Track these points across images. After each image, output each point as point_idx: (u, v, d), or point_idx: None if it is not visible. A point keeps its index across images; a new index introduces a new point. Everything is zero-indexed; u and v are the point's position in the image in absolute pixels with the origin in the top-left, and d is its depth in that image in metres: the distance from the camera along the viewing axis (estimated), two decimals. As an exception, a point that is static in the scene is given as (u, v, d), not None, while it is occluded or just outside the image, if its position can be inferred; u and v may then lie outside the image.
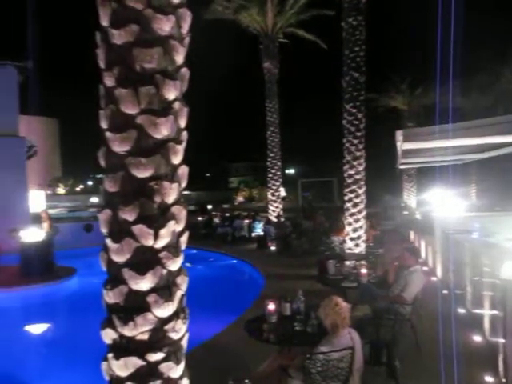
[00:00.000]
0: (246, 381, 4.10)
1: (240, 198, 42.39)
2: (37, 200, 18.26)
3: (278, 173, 20.00)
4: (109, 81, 2.69)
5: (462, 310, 7.45)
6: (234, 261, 14.37)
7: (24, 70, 18.32)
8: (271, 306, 5.01)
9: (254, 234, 17.96)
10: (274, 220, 18.59)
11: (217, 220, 20.43)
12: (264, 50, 19.57)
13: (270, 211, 19.88)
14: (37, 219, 14.28)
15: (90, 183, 37.58)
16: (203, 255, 14.85)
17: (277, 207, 19.68)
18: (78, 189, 29.24)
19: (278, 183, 19.92)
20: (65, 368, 6.37)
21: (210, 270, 13.72)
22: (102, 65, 2.77)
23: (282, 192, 20.84)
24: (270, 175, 19.97)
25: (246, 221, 18.66)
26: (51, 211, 17.45)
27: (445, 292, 8.55)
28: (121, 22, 2.67)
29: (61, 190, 26.97)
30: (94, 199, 25.51)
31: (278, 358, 4.59)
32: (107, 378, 2.91)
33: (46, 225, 12.41)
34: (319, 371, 3.97)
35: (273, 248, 15.57)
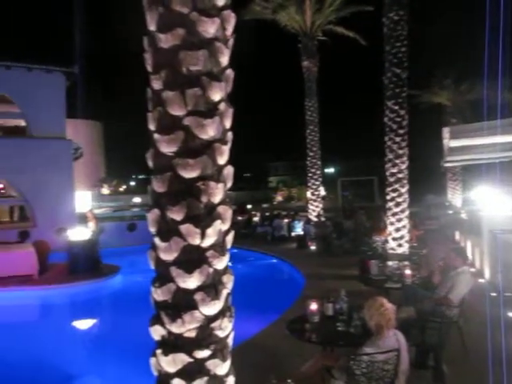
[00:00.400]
0: (289, 381, 4.10)
1: (279, 198, 42.36)
2: (83, 200, 18.91)
3: (318, 172, 19.86)
4: (156, 84, 2.76)
5: (511, 314, 7.16)
6: (274, 260, 14.39)
7: (71, 75, 19.02)
8: (313, 306, 4.99)
9: (293, 234, 17.93)
10: (314, 219, 18.47)
11: (256, 219, 20.53)
12: (303, 49, 19.48)
13: (309, 211, 19.77)
14: (83, 219, 14.80)
15: (132, 184, 38.61)
16: (243, 254, 14.94)
17: (317, 206, 19.55)
18: (121, 189, 30.09)
19: (317, 182, 19.79)
20: (110, 362, 6.56)
21: (250, 269, 13.78)
22: (149, 68, 2.84)
23: (322, 191, 20.67)
24: (310, 174, 19.86)
25: (286, 220, 18.65)
26: (96, 211, 18.02)
27: (493, 294, 8.23)
28: (167, 26, 2.73)
29: (105, 190, 27.82)
30: (137, 199, 26.14)
31: (321, 359, 4.56)
32: (155, 373, 2.98)
33: (92, 224, 12.84)
34: (364, 373, 3.93)
35: (313, 248, 15.48)
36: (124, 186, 33.52)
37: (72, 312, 10.51)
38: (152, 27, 2.82)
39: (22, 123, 18.67)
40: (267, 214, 22.43)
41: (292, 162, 58.89)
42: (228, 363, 2.97)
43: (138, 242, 17.51)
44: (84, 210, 16.37)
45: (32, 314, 10.57)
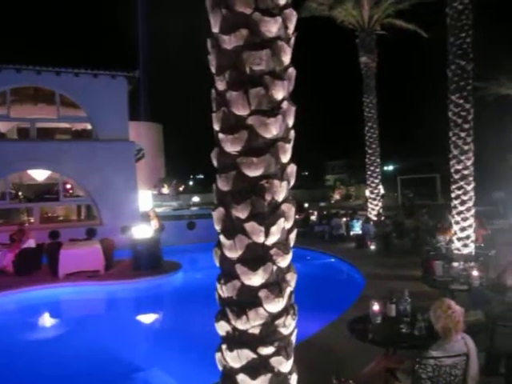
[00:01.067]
0: (350, 382, 4.03)
1: (337, 196, 41.77)
2: (145, 199, 19.63)
3: (377, 170, 19.40)
4: (220, 85, 2.82)
5: None
6: (332, 259, 14.22)
7: (133, 79, 19.75)
8: (376, 307, 4.88)
9: (352, 233, 17.63)
10: (374, 218, 18.07)
11: (314, 218, 20.38)
12: (360, 44, 19.09)
13: (368, 209, 19.36)
14: (145, 217, 15.34)
15: (191, 183, 39.58)
16: (301, 253, 14.86)
17: (376, 205, 19.11)
18: (180, 189, 30.93)
19: (377, 180, 19.33)
20: (171, 355, 6.76)
21: (308, 269, 13.70)
22: (213, 70, 2.90)
23: (381, 189, 20.18)
24: (369, 172, 19.44)
25: (344, 219, 18.38)
26: (157, 210, 18.62)
27: None
28: (230, 27, 2.77)
29: (165, 190, 28.70)
30: (196, 198, 26.76)
31: (384, 361, 4.45)
32: (220, 368, 3.04)
33: (154, 222, 13.27)
34: (430, 377, 3.79)
35: (372, 247, 15.15)
36: (183, 186, 34.41)
37: (136, 307, 10.93)
38: (215, 29, 2.87)
39: (89, 127, 19.67)
40: (324, 212, 22.20)
41: (349, 159, 57.95)
42: (291, 361, 2.98)
43: (197, 240, 17.99)
44: (146, 208, 16.96)
45: (98, 308, 11.12)
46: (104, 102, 18.64)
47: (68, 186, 21.17)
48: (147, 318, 9.93)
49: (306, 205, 26.99)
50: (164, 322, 9.58)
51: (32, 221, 19.02)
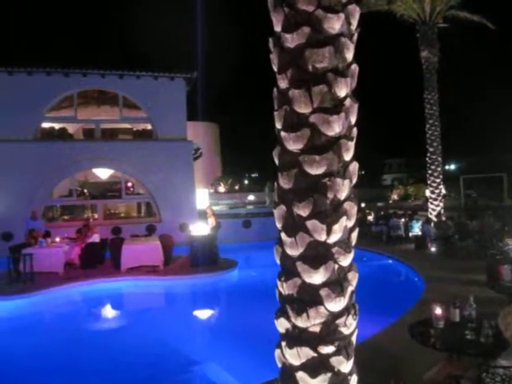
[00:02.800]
0: (411, 386, 3.93)
1: (395, 196, 40.58)
2: (202, 197, 20.04)
3: (439, 169, 18.67)
4: (282, 83, 2.83)
5: None
6: (390, 261, 13.85)
7: (190, 80, 20.21)
8: (438, 311, 4.70)
9: (411, 234, 17.08)
10: (434, 219, 17.40)
11: (371, 218, 19.94)
12: (421, 39, 18.41)
13: (429, 210, 18.68)
14: (203, 215, 15.67)
15: (246, 182, 39.95)
16: (357, 254, 14.44)
17: (437, 206, 18.39)
18: (236, 187, 31.31)
19: (438, 180, 18.61)
20: (227, 349, 6.86)
21: (364, 270, 13.38)
22: (275, 68, 2.92)
23: (443, 189, 19.40)
24: (430, 171, 18.74)
25: (403, 220, 17.83)
26: (214, 208, 18.95)
27: None
28: (293, 25, 2.78)
29: (221, 188, 29.15)
30: (251, 197, 26.96)
31: (448, 367, 4.29)
32: (279, 364, 3.06)
33: (211, 220, 13.50)
34: (498, 386, 3.62)
35: (433, 249, 14.59)
36: (238, 185, 34.80)
37: (193, 302, 11.20)
38: (277, 28, 2.89)
39: (149, 127, 20.36)
40: (382, 212, 21.65)
41: (408, 158, 56.15)
42: (352, 361, 2.95)
43: (253, 239, 18.15)
44: (204, 206, 17.30)
45: (157, 302, 11.49)
46: (163, 102, 19.23)
47: (129, 184, 22.01)
48: (204, 314, 10.14)
49: (363, 204, 26.46)
50: (220, 318, 9.74)
51: (96, 217, 19.96)
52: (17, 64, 17.83)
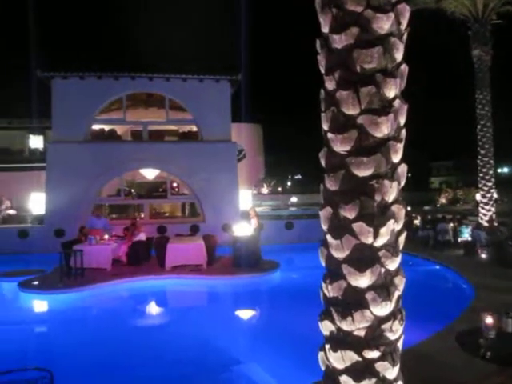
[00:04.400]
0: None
1: (443, 200, 39.23)
2: (245, 198, 20.16)
3: (491, 172, 17.90)
4: (330, 84, 2.82)
5: None
6: (437, 267, 13.42)
7: (235, 82, 20.39)
8: (489, 320, 4.55)
9: (460, 240, 16.48)
10: (485, 224, 16.70)
11: (417, 222, 19.40)
12: (473, 36, 17.73)
13: (480, 215, 17.95)
14: (246, 216, 15.76)
15: (288, 184, 39.88)
16: (403, 258, 14.15)
17: (488, 210, 17.63)
18: (279, 189, 31.30)
19: (490, 183, 17.84)
20: (268, 350, 6.86)
21: (410, 275, 13.04)
22: (322, 70, 2.91)
23: (495, 193, 18.58)
24: (481, 175, 18.00)
25: (451, 224, 17.23)
26: (257, 209, 19.01)
27: None
28: (341, 26, 2.76)
29: (264, 189, 29.24)
30: (294, 199, 26.88)
31: (500, 379, 4.13)
32: (323, 367, 3.04)
33: (254, 221, 13.56)
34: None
35: (483, 256, 14.02)
36: (281, 186, 34.80)
37: (235, 302, 11.28)
38: (325, 29, 2.88)
39: (194, 128, 20.71)
40: (429, 216, 21.01)
41: (457, 161, 54.20)
42: (397, 368, 2.89)
43: (295, 241, 18.07)
44: (247, 207, 17.40)
45: (200, 300, 11.67)
46: (208, 104, 19.50)
47: (174, 185, 22.46)
48: (246, 314, 10.20)
49: (409, 208, 25.79)
50: (262, 319, 9.76)
51: (142, 216, 20.49)
52: (70, 68, 18.64)
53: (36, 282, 11.31)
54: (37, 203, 18.65)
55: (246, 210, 16.56)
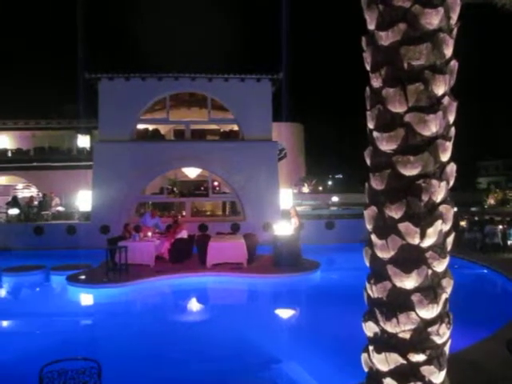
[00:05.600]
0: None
1: (491, 201, 37.64)
2: (285, 198, 20.12)
3: (543, 172, 17.10)
4: (376, 82, 2.77)
5: None
6: (485, 271, 12.92)
7: (276, 81, 20.37)
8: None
9: (510, 243, 15.80)
10: (537, 227, 15.96)
11: (464, 224, 18.75)
12: (526, 31, 16.98)
13: (531, 217, 17.18)
14: (286, 215, 15.73)
15: (329, 183, 39.49)
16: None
17: (540, 213, 16.85)
18: (319, 188, 31.05)
19: (542, 184, 17.04)
20: (308, 350, 6.82)
21: (456, 278, 12.63)
22: (368, 67, 2.87)
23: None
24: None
25: (500, 227, 16.53)
26: (297, 208, 18.93)
27: None
28: (388, 22, 2.72)
29: (305, 189, 29.08)
30: (335, 198, 26.58)
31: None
32: (366, 369, 3.00)
33: (294, 220, 13.50)
34: None
35: (534, 260, 13.40)
36: (322, 185, 34.50)
37: (275, 301, 11.27)
38: (371, 26, 2.84)
39: (235, 128, 20.87)
40: (476, 218, 20.26)
41: (507, 160, 51.94)
42: (444, 373, 2.82)
43: (336, 241, 17.87)
44: (287, 206, 17.36)
45: (239, 298, 11.74)
46: (250, 104, 19.60)
47: (215, 183, 22.71)
48: (285, 313, 10.18)
49: (455, 209, 24.92)
50: (301, 319, 9.72)
51: (184, 214, 20.86)
52: (116, 70, 19.22)
53: (83, 277, 11.75)
54: (84, 200, 19.35)
55: (287, 209, 16.52)
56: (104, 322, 9.06)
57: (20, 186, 25.47)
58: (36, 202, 20.84)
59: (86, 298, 10.93)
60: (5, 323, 9.34)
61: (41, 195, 21.85)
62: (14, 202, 20.23)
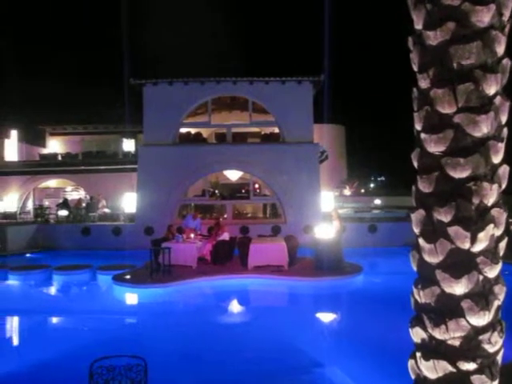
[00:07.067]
0: None
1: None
2: (327, 200, 19.94)
3: None
4: (423, 83, 2.71)
5: None
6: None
7: (317, 83, 20.24)
8: None
9: None
10: None
11: (515, 228, 17.95)
12: None
13: None
14: (327, 218, 15.57)
15: (371, 185, 38.78)
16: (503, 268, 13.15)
17: None
18: (362, 191, 30.57)
19: None
20: (349, 354, 6.71)
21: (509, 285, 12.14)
22: (415, 68, 2.81)
23: None
24: None
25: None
26: (339, 211, 18.70)
27: None
28: (436, 22, 2.66)
29: (346, 191, 28.71)
30: (377, 201, 26.08)
31: None
32: (413, 375, 2.93)
33: (336, 223, 13.35)
34: None
35: None
36: (364, 188, 33.94)
37: (316, 304, 11.16)
38: (418, 26, 2.79)
39: (276, 130, 20.89)
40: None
41: None
42: (496, 383, 2.71)
43: (379, 244, 17.54)
44: (329, 209, 17.20)
45: (280, 301, 11.71)
46: (291, 106, 19.59)
47: (256, 186, 22.81)
48: (327, 317, 10.08)
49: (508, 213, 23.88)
50: (343, 323, 9.58)
51: (225, 216, 21.06)
52: (159, 75, 19.72)
53: (128, 276, 12.09)
54: (129, 202, 19.92)
55: (328, 211, 16.37)
56: (148, 321, 9.30)
57: (69, 188, 26.53)
58: (84, 204, 21.64)
59: (131, 298, 11.23)
60: (56, 319, 9.77)
61: (88, 197, 22.67)
62: (64, 204, 21.10)
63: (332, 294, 11.45)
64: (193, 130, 22.05)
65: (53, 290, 12.57)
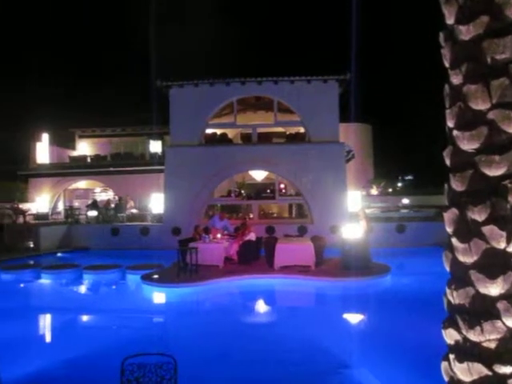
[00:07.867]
0: None
1: None
2: (354, 200, 19.76)
3: None
4: (455, 78, 2.66)
5: None
6: None
7: (343, 82, 20.07)
8: None
9: None
10: None
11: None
12: None
13: None
14: (354, 218, 15.43)
15: (399, 184, 38.16)
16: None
17: None
18: (389, 190, 30.10)
19: None
20: (378, 356, 6.62)
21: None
22: (447, 63, 2.76)
23: None
24: None
25: None
26: (366, 211, 18.49)
27: None
28: (468, 16, 2.60)
29: (374, 191, 28.35)
30: (405, 200, 25.68)
31: None
32: (446, 378, 2.87)
33: (363, 223, 13.21)
34: None
35: None
36: (391, 187, 33.43)
37: (343, 305, 11.04)
38: (450, 20, 2.73)
39: (302, 130, 20.83)
40: None
41: None
42: (535, 388, 2.62)
43: (407, 244, 17.28)
44: (356, 209, 17.04)
45: (307, 301, 11.65)
46: (316, 105, 19.50)
47: (281, 186, 22.80)
48: (354, 318, 9.98)
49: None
50: (371, 324, 9.46)
51: (251, 216, 21.12)
52: (185, 77, 19.93)
53: (156, 276, 12.26)
54: (156, 203, 20.20)
55: (355, 211, 16.21)
56: (176, 320, 9.42)
57: (98, 189, 27.11)
58: (112, 205, 22.06)
59: (159, 297, 11.39)
60: (87, 318, 9.98)
61: (117, 198, 23.12)
62: (93, 205, 21.57)
63: (360, 294, 11.33)
64: (218, 131, 22.19)
65: (83, 289, 12.85)
